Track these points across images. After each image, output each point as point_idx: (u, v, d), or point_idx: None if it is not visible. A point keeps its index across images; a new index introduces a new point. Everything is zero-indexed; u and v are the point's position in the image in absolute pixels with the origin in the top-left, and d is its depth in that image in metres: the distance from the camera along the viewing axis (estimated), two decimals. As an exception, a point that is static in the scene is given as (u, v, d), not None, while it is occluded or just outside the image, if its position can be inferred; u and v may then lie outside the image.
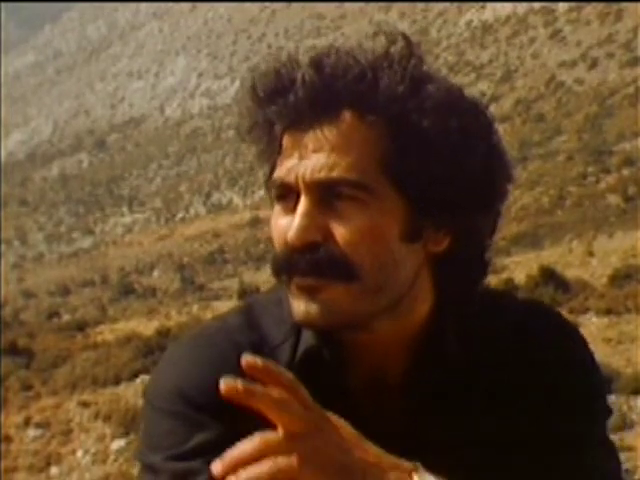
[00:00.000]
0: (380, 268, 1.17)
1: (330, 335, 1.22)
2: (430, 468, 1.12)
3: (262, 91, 1.21)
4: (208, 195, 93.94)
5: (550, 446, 1.23)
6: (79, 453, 12.27)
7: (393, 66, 1.18)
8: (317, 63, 1.19)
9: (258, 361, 1.04)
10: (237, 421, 1.17)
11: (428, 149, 1.17)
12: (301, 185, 1.17)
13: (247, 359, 1.04)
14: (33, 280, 73.50)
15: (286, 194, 1.19)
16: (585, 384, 1.26)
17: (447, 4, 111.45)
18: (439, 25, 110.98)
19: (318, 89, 1.17)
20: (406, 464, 1.09)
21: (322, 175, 1.16)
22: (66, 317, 36.71)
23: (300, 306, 1.18)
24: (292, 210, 1.18)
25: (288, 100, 1.18)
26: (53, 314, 38.21)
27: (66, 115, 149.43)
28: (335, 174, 1.16)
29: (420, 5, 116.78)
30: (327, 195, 1.16)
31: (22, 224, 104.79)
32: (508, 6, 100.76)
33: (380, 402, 1.24)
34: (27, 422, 13.58)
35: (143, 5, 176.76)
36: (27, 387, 15.97)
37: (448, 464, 1.16)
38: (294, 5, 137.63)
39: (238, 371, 1.14)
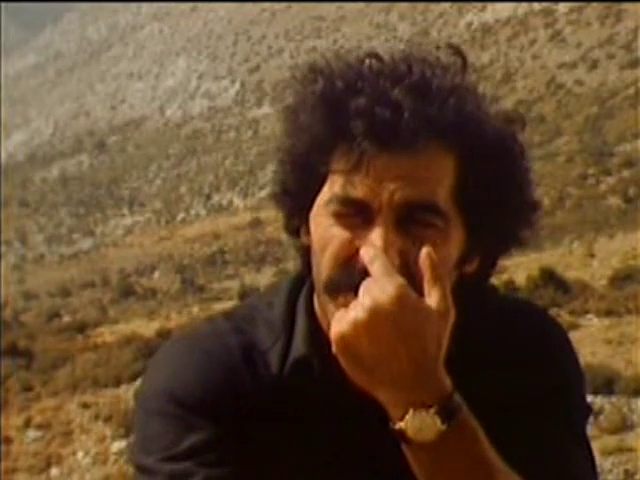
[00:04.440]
0: None
1: (322, 345, 1.21)
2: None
3: (346, 101, 1.19)
4: (208, 196, 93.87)
5: (527, 445, 1.23)
6: (79, 454, 12.27)
7: (472, 93, 1.21)
8: (406, 80, 1.19)
9: None
10: (229, 422, 1.20)
11: (496, 184, 1.20)
12: (385, 207, 1.16)
13: None
14: (33, 281, 73.43)
15: (354, 212, 1.18)
16: (565, 384, 1.28)
17: (447, 6, 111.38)
18: (439, 26, 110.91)
19: (412, 113, 1.17)
20: (447, 383, 1.12)
21: (411, 201, 1.16)
22: (66, 318, 36.66)
23: None
24: (356, 227, 1.17)
25: (379, 118, 1.17)
26: (53, 315, 38.15)
27: (66, 116, 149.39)
28: (424, 201, 1.16)
29: (420, 6, 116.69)
30: (405, 220, 1.16)
31: (22, 225, 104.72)
32: (508, 7, 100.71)
33: (368, 412, 1.22)
34: (27, 423, 13.58)
35: (144, 6, 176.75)
36: (27, 388, 15.96)
37: None
38: (294, 6, 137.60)
39: (228, 373, 1.22)
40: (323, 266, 1.19)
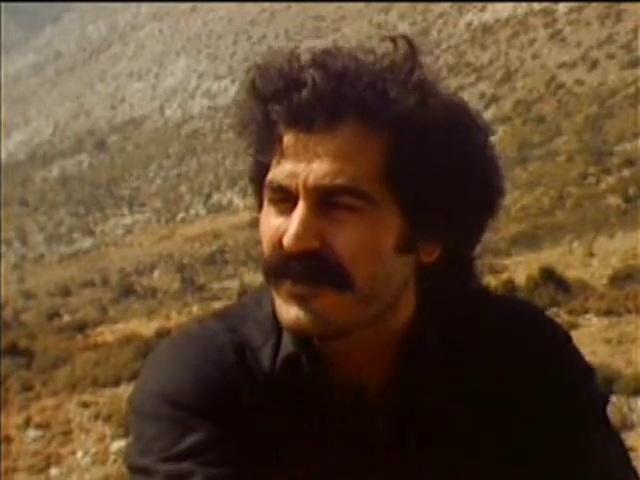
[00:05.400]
0: (373, 279, 1.16)
1: (309, 342, 1.21)
2: (413, 476, 1.15)
3: (266, 88, 1.18)
4: (208, 196, 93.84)
5: (537, 449, 1.22)
6: (79, 454, 12.25)
7: (401, 75, 1.17)
8: (325, 65, 1.16)
9: None
10: (226, 420, 1.19)
11: (431, 163, 1.16)
12: (301, 190, 1.15)
13: None
14: (33, 281, 73.43)
15: (282, 197, 1.17)
16: (572, 380, 1.28)
17: (447, 6, 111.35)
18: (439, 26, 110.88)
19: (327, 93, 1.14)
20: None
21: (326, 182, 1.14)
22: (66, 318, 36.65)
23: (290, 312, 1.16)
24: (287, 212, 1.17)
25: (294, 100, 1.15)
26: (53, 315, 38.12)
27: (66, 116, 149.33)
28: (339, 182, 1.14)
29: (420, 6, 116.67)
30: (326, 202, 1.14)
31: (22, 225, 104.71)
32: (508, 7, 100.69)
33: (361, 410, 1.23)
34: (27, 423, 13.56)
35: (143, 6, 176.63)
36: (27, 388, 15.95)
37: (431, 472, 1.19)
38: (294, 6, 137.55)
39: (222, 372, 1.22)
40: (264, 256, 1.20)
